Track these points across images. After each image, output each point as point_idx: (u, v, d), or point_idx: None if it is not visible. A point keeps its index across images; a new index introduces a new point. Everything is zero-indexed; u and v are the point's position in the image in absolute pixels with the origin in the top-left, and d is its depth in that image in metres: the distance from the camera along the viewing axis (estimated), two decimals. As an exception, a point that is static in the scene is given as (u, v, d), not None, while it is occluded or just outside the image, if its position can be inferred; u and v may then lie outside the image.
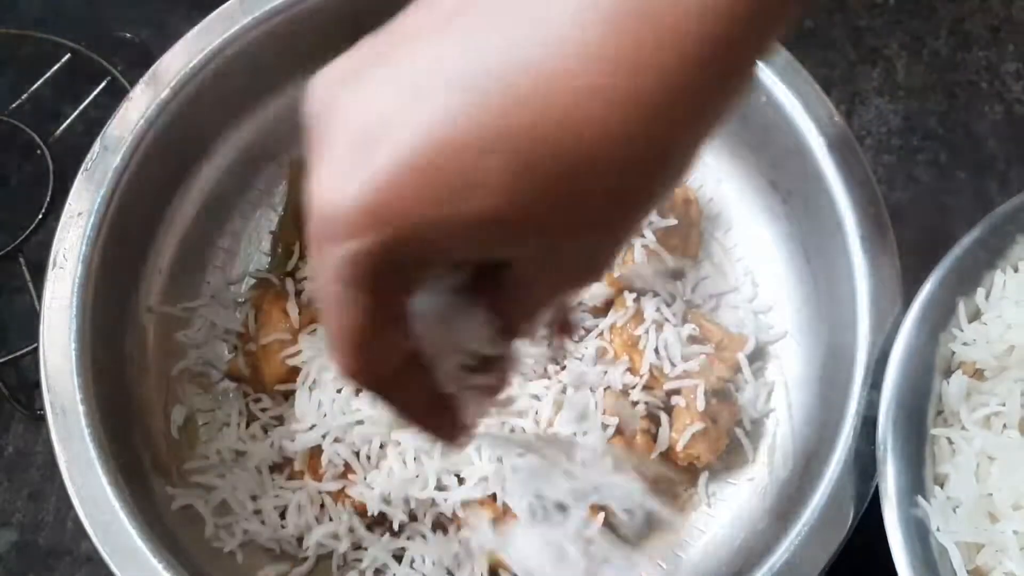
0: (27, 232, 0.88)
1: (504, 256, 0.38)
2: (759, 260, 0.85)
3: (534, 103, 0.34)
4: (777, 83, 0.78)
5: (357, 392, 0.77)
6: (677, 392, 0.78)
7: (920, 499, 0.65)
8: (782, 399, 0.81)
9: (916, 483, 0.66)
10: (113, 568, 0.66)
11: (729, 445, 0.79)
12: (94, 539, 0.66)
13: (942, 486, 0.67)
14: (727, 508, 0.78)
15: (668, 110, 0.35)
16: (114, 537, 0.67)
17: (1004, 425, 0.67)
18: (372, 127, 0.35)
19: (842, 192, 0.76)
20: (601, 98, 0.34)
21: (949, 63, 0.97)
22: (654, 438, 0.78)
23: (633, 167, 0.35)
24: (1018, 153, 0.93)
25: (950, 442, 0.68)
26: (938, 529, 0.65)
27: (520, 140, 0.34)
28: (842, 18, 0.99)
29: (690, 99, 0.35)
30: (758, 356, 0.82)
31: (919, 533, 0.65)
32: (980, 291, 0.72)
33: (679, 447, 0.77)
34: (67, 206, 0.75)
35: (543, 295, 0.41)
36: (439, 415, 0.46)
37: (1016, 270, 0.72)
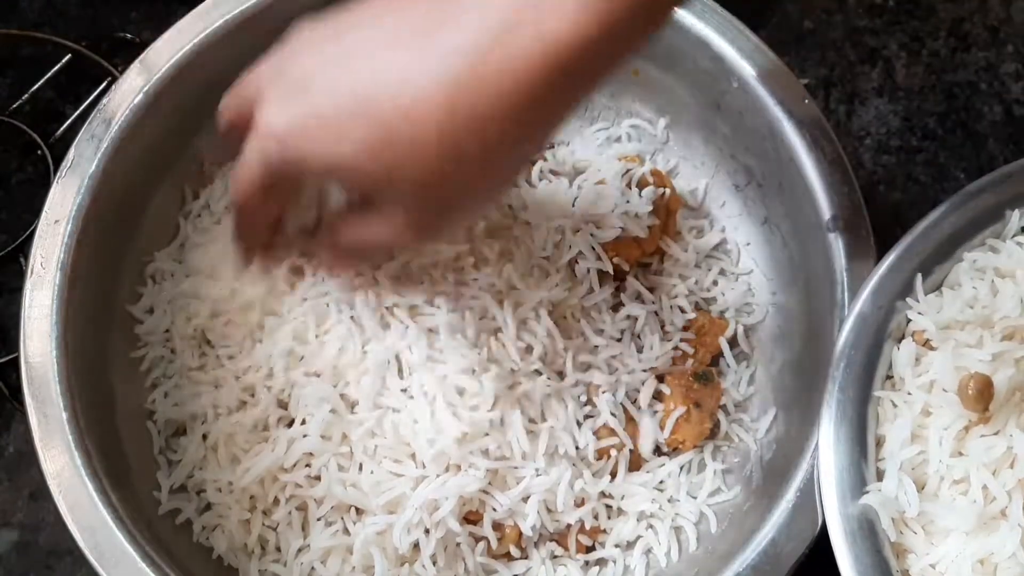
0: (27, 232, 0.88)
1: (351, 186, 0.62)
2: (737, 245, 0.86)
3: (389, 107, 0.54)
4: (747, 67, 0.79)
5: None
6: (661, 379, 0.79)
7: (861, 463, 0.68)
8: (764, 381, 0.82)
9: (859, 440, 0.69)
10: (102, 574, 0.67)
11: (713, 429, 0.79)
12: (82, 545, 0.68)
13: (879, 445, 0.69)
14: (712, 491, 0.78)
15: (498, 127, 0.53)
16: (102, 542, 0.68)
17: (944, 389, 0.69)
18: (304, 81, 0.57)
19: (814, 173, 0.77)
20: (439, 110, 0.53)
21: (948, 64, 0.96)
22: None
23: (452, 159, 0.54)
24: (1018, 153, 0.92)
25: (894, 404, 0.70)
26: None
27: (376, 120, 0.54)
28: (842, 18, 0.98)
29: (521, 117, 0.54)
30: (739, 340, 0.83)
31: (853, 491, 0.67)
32: (944, 266, 0.74)
33: (665, 435, 0.78)
34: (43, 214, 0.76)
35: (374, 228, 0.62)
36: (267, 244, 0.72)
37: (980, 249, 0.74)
